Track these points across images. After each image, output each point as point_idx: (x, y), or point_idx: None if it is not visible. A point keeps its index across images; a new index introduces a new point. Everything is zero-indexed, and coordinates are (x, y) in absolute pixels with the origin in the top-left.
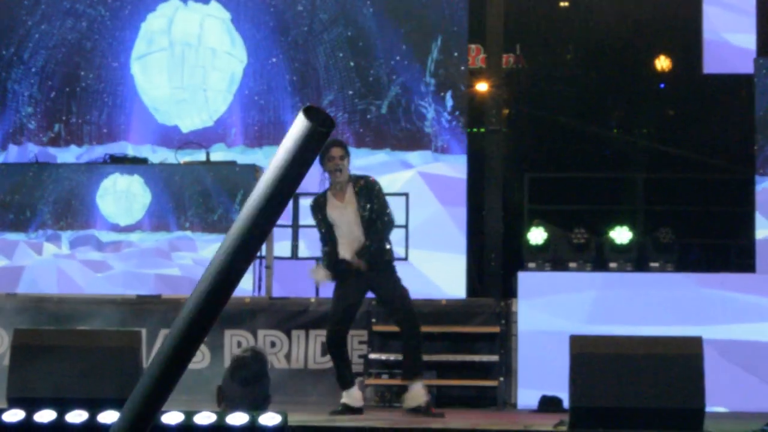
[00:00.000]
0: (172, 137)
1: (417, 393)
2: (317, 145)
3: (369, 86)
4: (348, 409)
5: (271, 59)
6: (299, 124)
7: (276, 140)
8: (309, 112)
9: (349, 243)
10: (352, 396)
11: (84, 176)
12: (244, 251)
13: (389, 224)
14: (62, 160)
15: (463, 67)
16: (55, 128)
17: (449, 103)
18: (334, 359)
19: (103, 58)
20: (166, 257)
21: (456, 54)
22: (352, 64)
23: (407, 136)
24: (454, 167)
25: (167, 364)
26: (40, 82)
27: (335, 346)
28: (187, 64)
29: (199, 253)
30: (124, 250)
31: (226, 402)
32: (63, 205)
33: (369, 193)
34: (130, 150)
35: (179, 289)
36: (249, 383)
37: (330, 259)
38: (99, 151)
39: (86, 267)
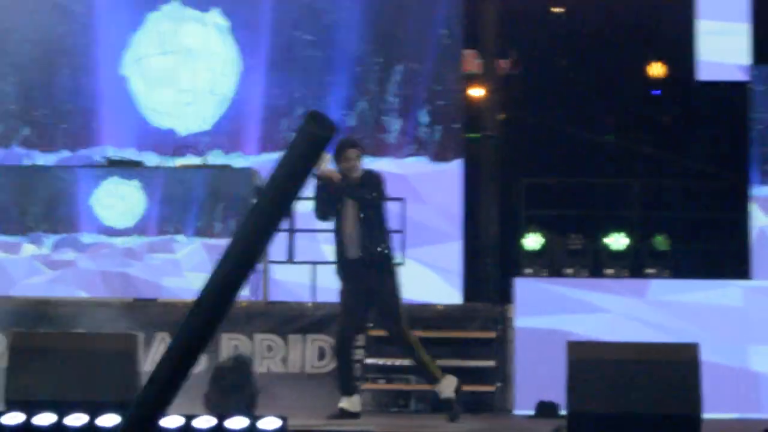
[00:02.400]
0: (164, 141)
1: (448, 384)
2: (320, 150)
3: (339, 102)
4: (345, 414)
5: (256, 69)
6: (304, 131)
7: (257, 148)
8: (313, 118)
9: (352, 239)
10: (351, 401)
11: (73, 178)
12: (249, 257)
13: (383, 222)
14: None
15: (453, 77)
16: (25, 131)
17: (424, 119)
18: (339, 365)
19: (83, 58)
20: (137, 259)
21: (440, 69)
22: (326, 79)
23: (377, 144)
24: (448, 173)
25: (172, 369)
26: (20, 79)
27: (340, 352)
28: (198, 68)
29: (176, 254)
30: (100, 251)
31: (212, 409)
32: (51, 207)
33: (374, 184)
34: (111, 152)
35: (119, 291)
36: (229, 392)
37: (338, 257)
38: (80, 155)
39: (41, 264)
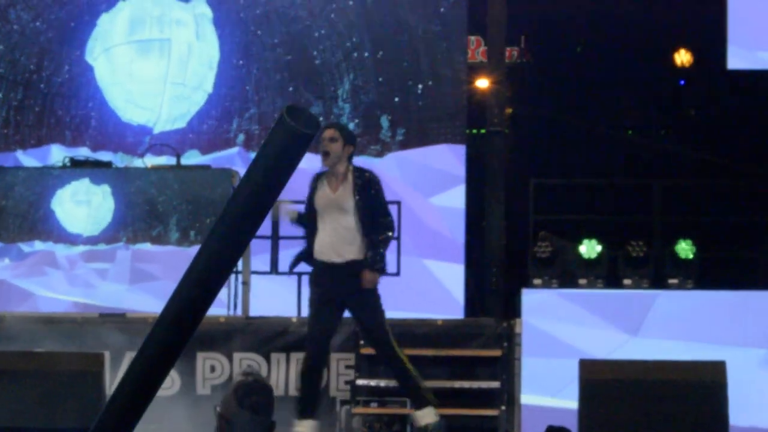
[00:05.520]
0: (131, 139)
1: (428, 412)
2: (301, 148)
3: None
4: None
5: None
6: (281, 126)
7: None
8: (291, 113)
9: (330, 241)
10: (310, 426)
11: (37, 182)
12: (220, 266)
13: (391, 225)
14: None
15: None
16: None
17: (385, 124)
18: (303, 383)
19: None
20: (57, 267)
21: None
22: (278, 77)
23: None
24: (450, 172)
25: (136, 388)
26: None
27: (309, 370)
28: (192, 60)
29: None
30: (27, 260)
31: (231, 430)
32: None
33: (369, 187)
34: (55, 153)
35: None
36: (261, 411)
37: (306, 253)
38: (30, 154)
39: None
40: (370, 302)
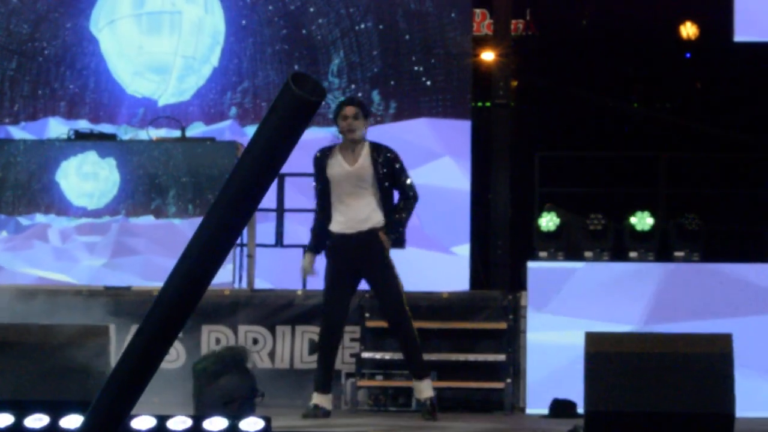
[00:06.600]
0: (130, 110)
1: (429, 385)
2: (307, 116)
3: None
4: (319, 411)
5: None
6: (286, 94)
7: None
8: (297, 80)
9: (346, 213)
10: (326, 399)
11: (39, 153)
12: (224, 237)
13: (416, 199)
14: None
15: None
16: None
17: (376, 98)
18: (322, 357)
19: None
20: (43, 239)
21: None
22: (275, 49)
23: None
24: (455, 145)
25: (138, 362)
26: None
27: (327, 342)
28: (202, 33)
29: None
30: (24, 232)
31: (197, 406)
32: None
33: (393, 163)
34: (53, 126)
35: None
36: (206, 383)
37: (319, 231)
38: (30, 127)
39: None
40: (389, 271)
